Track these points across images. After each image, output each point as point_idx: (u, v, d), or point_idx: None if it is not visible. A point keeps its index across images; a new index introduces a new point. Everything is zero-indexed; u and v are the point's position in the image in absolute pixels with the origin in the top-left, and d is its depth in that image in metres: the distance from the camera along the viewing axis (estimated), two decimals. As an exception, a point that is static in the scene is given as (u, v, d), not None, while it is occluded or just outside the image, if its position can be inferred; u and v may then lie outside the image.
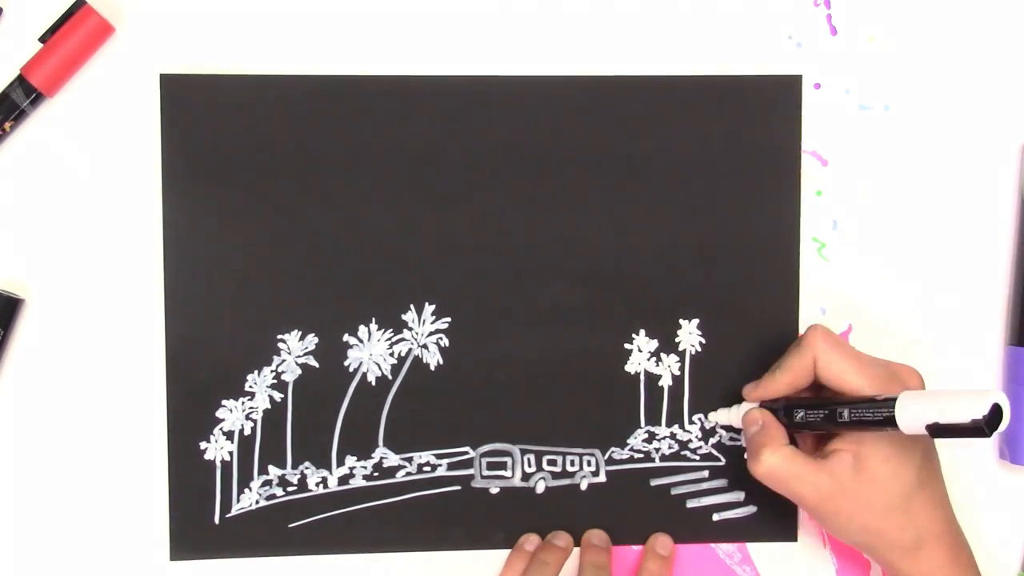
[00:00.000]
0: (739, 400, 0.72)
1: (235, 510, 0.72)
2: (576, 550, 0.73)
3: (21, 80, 0.69)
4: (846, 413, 0.64)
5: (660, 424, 0.74)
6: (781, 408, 0.68)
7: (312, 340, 0.72)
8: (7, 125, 0.69)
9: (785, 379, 0.68)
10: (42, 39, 0.69)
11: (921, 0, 0.74)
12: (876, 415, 0.62)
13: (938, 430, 0.58)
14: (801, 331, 0.74)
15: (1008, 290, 0.75)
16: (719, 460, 0.74)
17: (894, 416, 0.60)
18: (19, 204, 0.71)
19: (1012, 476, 0.75)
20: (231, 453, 0.72)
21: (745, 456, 0.68)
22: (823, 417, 0.65)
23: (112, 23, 0.70)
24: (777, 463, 0.66)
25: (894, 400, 0.61)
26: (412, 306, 0.72)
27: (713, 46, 0.73)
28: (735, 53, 0.73)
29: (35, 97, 0.69)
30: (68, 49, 0.69)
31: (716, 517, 0.74)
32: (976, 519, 0.74)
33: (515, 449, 0.73)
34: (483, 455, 0.73)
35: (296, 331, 0.72)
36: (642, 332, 0.73)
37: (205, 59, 0.71)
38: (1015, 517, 0.75)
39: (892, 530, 0.66)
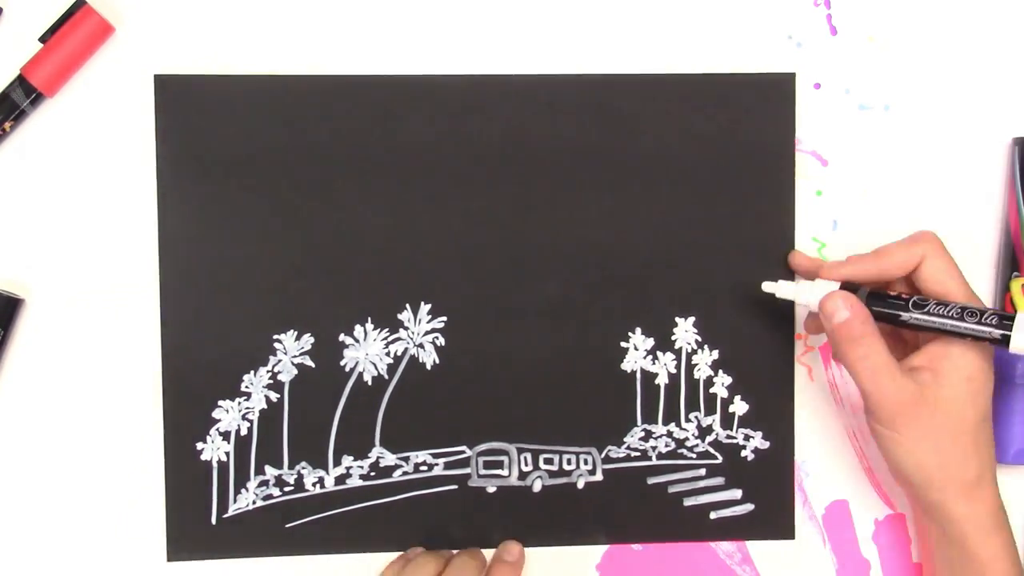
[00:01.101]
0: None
1: (232, 510, 0.72)
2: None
3: (21, 80, 0.70)
4: (958, 311, 0.63)
5: (657, 422, 0.73)
6: (863, 295, 0.66)
7: (308, 340, 0.72)
8: (7, 125, 0.70)
9: (882, 264, 0.66)
10: (42, 39, 0.70)
11: (921, 0, 0.74)
12: (987, 324, 0.62)
13: None
14: (798, 329, 0.73)
15: (993, 291, 0.74)
16: (716, 458, 0.74)
17: (1009, 334, 0.61)
18: (19, 204, 0.71)
19: (1001, 475, 0.74)
20: (228, 453, 0.72)
21: (830, 342, 0.66)
22: (928, 310, 0.64)
23: (112, 23, 0.70)
24: (878, 353, 0.64)
25: (1011, 317, 0.62)
26: (408, 306, 0.72)
27: (713, 46, 0.73)
28: (735, 53, 0.73)
29: (35, 97, 0.70)
30: (68, 49, 0.70)
31: (713, 515, 0.74)
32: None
33: (512, 448, 0.73)
34: (480, 454, 0.73)
35: (292, 331, 0.72)
36: (638, 330, 0.73)
37: (205, 59, 0.71)
38: (1009, 516, 0.75)
39: (957, 459, 0.64)
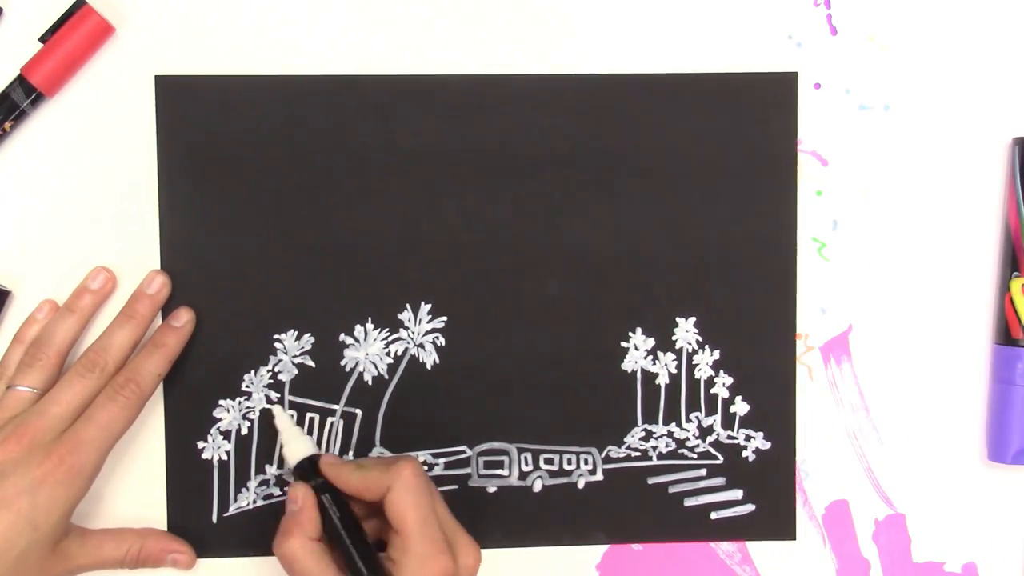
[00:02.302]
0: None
1: (232, 509, 0.72)
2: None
3: (21, 80, 0.69)
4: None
5: (657, 422, 0.73)
6: (335, 499, 0.66)
7: (308, 340, 0.72)
8: (7, 125, 0.70)
9: (354, 484, 0.65)
10: (42, 39, 0.70)
11: (921, 0, 0.74)
12: None
13: None
14: (799, 330, 0.74)
15: (994, 291, 0.74)
16: (716, 458, 0.74)
17: None
18: (19, 204, 0.71)
19: (1001, 475, 0.75)
20: (228, 453, 0.72)
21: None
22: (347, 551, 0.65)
23: (112, 23, 0.70)
24: (300, 554, 0.64)
25: None
26: (408, 305, 0.72)
27: (713, 46, 0.73)
28: (735, 53, 0.73)
29: (35, 97, 0.70)
30: (68, 49, 0.69)
31: (714, 515, 0.74)
32: (970, 520, 0.75)
33: (512, 448, 0.73)
34: (480, 454, 0.73)
35: (292, 331, 0.72)
36: (638, 330, 0.73)
37: (205, 59, 0.71)
38: (1008, 517, 0.75)
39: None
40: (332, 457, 0.68)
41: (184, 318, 0.70)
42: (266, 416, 0.72)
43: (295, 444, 0.67)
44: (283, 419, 0.69)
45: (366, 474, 0.65)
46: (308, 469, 0.67)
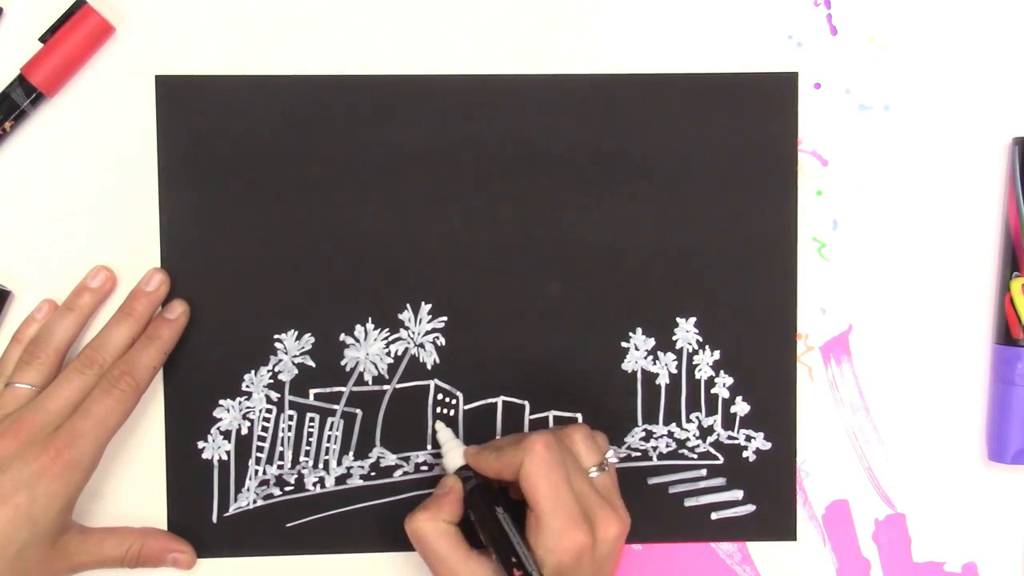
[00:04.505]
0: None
1: (232, 509, 0.72)
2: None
3: (21, 80, 0.69)
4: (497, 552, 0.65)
5: (657, 423, 0.73)
6: (480, 487, 0.67)
7: (308, 340, 0.72)
8: (7, 125, 0.70)
9: (494, 466, 0.67)
10: (42, 39, 0.70)
11: (921, 0, 0.74)
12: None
13: None
14: (799, 330, 0.74)
15: (994, 291, 0.75)
16: (717, 459, 0.74)
17: None
18: (19, 204, 0.71)
19: (1001, 475, 0.75)
20: (228, 453, 0.72)
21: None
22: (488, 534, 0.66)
23: (112, 23, 0.70)
24: (426, 531, 0.66)
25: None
26: (408, 305, 0.72)
27: (713, 46, 0.73)
28: (735, 53, 0.73)
29: (35, 97, 0.70)
30: (68, 49, 0.69)
31: (714, 516, 0.74)
32: (970, 520, 0.75)
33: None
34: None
35: (293, 331, 0.72)
36: (639, 330, 0.73)
37: (205, 59, 0.71)
38: (1008, 517, 0.75)
39: None
40: (474, 447, 0.69)
41: (178, 310, 0.70)
42: (266, 416, 0.72)
43: (452, 456, 0.69)
44: (444, 433, 0.70)
45: (501, 454, 0.66)
46: (465, 479, 0.68)
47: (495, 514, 0.66)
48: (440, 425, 0.71)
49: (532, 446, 0.64)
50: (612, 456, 0.68)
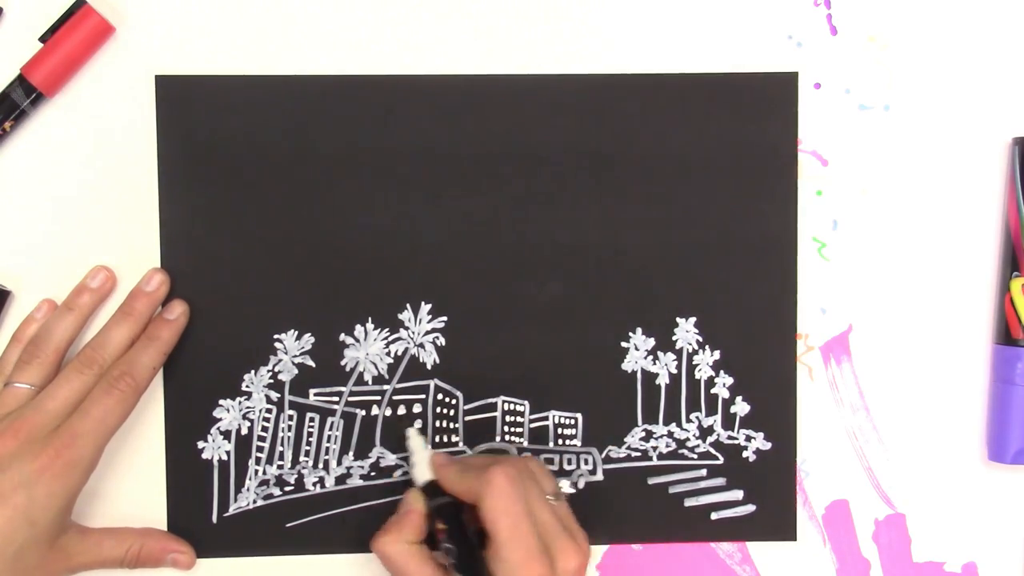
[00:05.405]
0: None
1: (232, 509, 0.72)
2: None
3: (21, 80, 0.69)
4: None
5: (657, 423, 0.73)
6: (447, 506, 0.67)
7: (308, 340, 0.72)
8: (7, 125, 0.70)
9: (456, 487, 0.67)
10: (42, 39, 0.70)
11: (921, 0, 0.74)
12: None
13: None
14: (799, 330, 0.74)
15: (994, 291, 0.75)
16: (717, 459, 0.74)
17: None
18: (19, 204, 0.71)
19: (1001, 475, 0.75)
20: (228, 453, 0.72)
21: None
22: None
23: (112, 23, 0.70)
24: (392, 553, 0.66)
25: None
26: (408, 305, 0.72)
27: (713, 46, 0.73)
28: (735, 53, 0.73)
29: (35, 97, 0.70)
30: (68, 49, 0.69)
31: (714, 516, 0.74)
32: (970, 520, 0.75)
33: (512, 448, 0.73)
34: (480, 454, 0.73)
35: (293, 331, 0.72)
36: (639, 330, 0.73)
37: (205, 59, 0.71)
38: (1008, 517, 0.75)
39: None
40: (443, 457, 0.69)
41: (177, 311, 0.70)
42: (266, 415, 0.72)
43: (421, 468, 0.69)
44: (415, 440, 0.70)
45: (464, 478, 0.66)
46: (433, 491, 0.68)
47: (463, 537, 0.66)
48: (412, 431, 0.71)
49: (493, 478, 0.64)
50: (568, 487, 0.69)
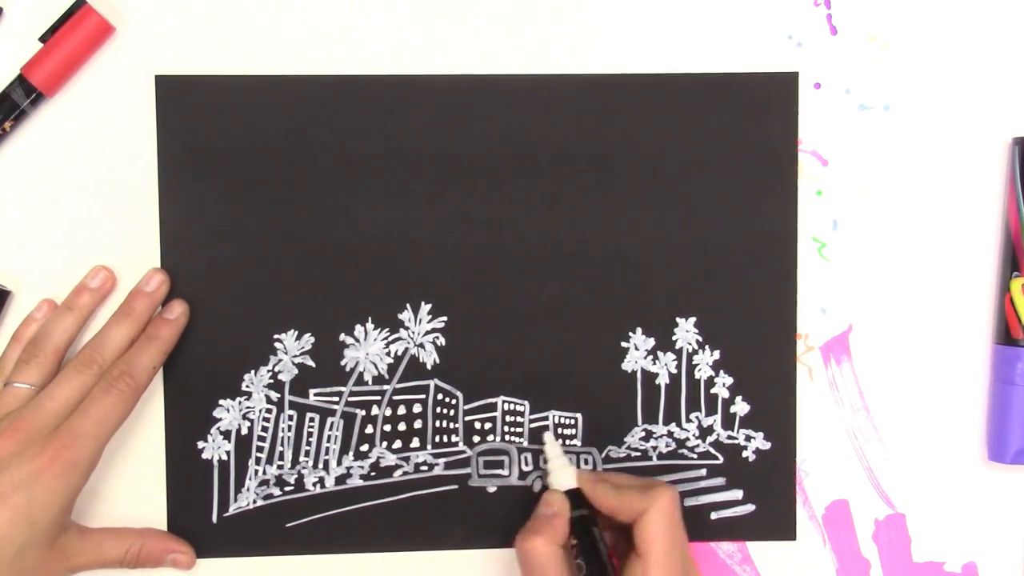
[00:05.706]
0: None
1: (232, 509, 0.72)
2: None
3: (21, 80, 0.69)
4: None
5: (657, 423, 0.73)
6: (588, 519, 0.68)
7: (308, 340, 0.72)
8: (7, 125, 0.70)
9: (611, 503, 0.67)
10: (42, 39, 0.70)
11: (921, 0, 0.74)
12: None
13: None
14: (799, 330, 0.74)
15: (994, 291, 0.74)
16: (717, 459, 0.74)
17: None
18: (19, 204, 0.71)
19: (1001, 475, 0.75)
20: (228, 453, 0.72)
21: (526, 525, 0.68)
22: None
23: (112, 23, 0.70)
24: (542, 555, 0.66)
25: None
26: (408, 305, 0.72)
27: (713, 46, 0.73)
28: (735, 53, 0.73)
29: (35, 97, 0.70)
30: (68, 49, 0.69)
31: (714, 516, 0.74)
32: (970, 520, 0.75)
33: (512, 448, 0.73)
34: (480, 454, 0.73)
35: (292, 331, 0.72)
36: (639, 330, 0.73)
37: (205, 59, 0.71)
38: (1008, 517, 0.75)
39: None
40: (591, 473, 0.70)
41: (177, 310, 0.70)
42: (266, 416, 0.72)
43: (561, 474, 0.69)
44: (553, 448, 0.71)
45: (623, 495, 0.67)
46: (571, 499, 0.68)
47: (599, 554, 0.67)
48: (549, 438, 0.71)
49: (659, 497, 0.65)
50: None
